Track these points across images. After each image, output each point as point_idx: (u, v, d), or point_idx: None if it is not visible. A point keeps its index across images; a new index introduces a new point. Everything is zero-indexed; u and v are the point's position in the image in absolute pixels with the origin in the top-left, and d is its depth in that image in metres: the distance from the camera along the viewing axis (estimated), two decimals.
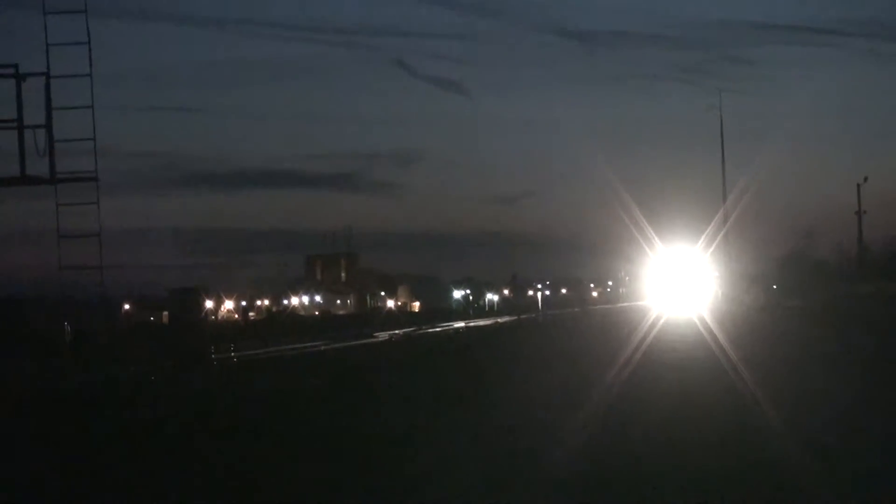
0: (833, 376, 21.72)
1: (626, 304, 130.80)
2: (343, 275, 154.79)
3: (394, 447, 14.77)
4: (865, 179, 68.78)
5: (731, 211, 68.20)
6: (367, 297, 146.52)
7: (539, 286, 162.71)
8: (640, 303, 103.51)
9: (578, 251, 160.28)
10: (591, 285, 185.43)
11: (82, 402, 24.14)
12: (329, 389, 24.11)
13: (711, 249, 65.35)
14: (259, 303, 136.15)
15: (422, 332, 65.58)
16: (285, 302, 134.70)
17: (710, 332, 38.76)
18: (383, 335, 59.70)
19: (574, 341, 40.76)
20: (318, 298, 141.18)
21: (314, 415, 18.85)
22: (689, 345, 31.32)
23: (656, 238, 63.13)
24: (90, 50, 30.77)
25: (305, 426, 17.34)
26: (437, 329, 69.66)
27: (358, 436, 15.88)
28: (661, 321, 50.16)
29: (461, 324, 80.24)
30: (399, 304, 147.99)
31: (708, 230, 65.05)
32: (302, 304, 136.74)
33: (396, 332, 64.50)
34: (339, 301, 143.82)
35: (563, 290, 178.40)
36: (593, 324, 61.86)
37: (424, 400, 19.97)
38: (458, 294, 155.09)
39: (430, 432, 15.52)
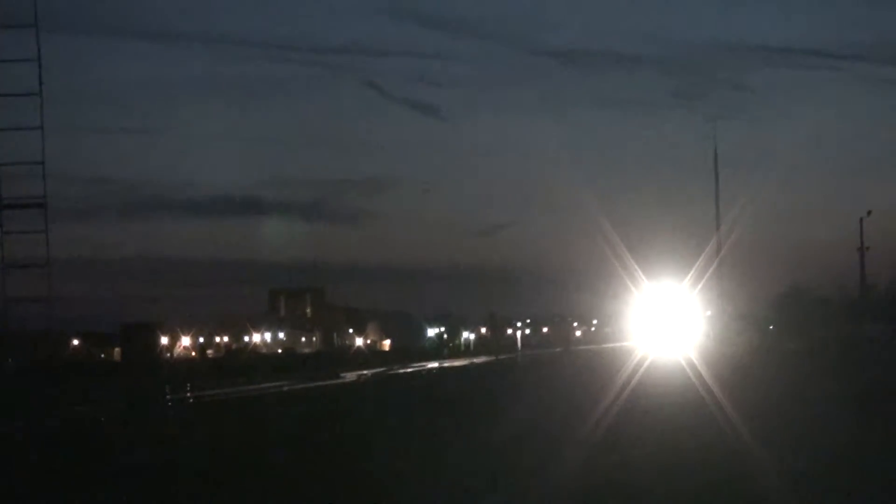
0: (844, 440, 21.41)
1: (611, 344, 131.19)
2: (308, 310, 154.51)
3: None
4: (869, 213, 69.03)
5: (723, 243, 68.64)
6: (334, 335, 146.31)
7: (519, 324, 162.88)
8: (625, 343, 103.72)
9: (561, 287, 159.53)
10: (575, 324, 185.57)
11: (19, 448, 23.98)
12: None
13: (701, 287, 65.68)
14: (218, 339, 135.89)
15: (391, 373, 65.66)
16: (246, 339, 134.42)
17: (701, 379, 38.79)
18: (351, 376, 59.82)
19: (552, 389, 40.88)
20: (281, 335, 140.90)
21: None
22: (675, 406, 30.91)
23: (644, 274, 63.47)
24: (41, 67, 31.03)
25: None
26: (409, 370, 69.78)
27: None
28: (646, 366, 50.23)
29: (434, 364, 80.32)
30: (368, 342, 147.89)
31: (698, 265, 65.31)
32: (264, 340, 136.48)
33: (365, 372, 64.71)
34: (303, 338, 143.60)
35: (545, 329, 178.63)
36: (573, 368, 61.93)
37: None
38: (431, 332, 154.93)
39: None
